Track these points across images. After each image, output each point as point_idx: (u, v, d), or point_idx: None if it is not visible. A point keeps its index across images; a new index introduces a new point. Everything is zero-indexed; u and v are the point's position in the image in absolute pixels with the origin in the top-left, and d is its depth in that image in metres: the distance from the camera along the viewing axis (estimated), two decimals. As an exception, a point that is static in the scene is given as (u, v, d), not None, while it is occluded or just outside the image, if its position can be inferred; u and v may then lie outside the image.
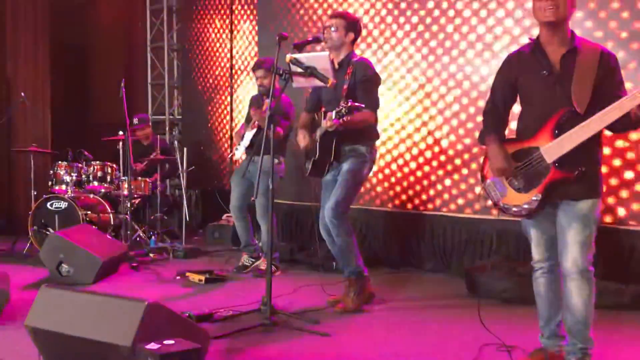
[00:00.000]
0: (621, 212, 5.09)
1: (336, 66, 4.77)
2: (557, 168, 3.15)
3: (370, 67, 4.74)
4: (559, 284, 3.35)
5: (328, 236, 4.82)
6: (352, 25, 4.75)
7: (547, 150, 3.17)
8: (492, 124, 3.47)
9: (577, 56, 3.15)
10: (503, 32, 5.71)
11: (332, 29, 4.70)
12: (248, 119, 6.18)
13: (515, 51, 3.48)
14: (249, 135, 5.96)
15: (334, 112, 4.33)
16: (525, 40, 5.37)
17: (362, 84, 4.63)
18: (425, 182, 6.28)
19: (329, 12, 6.83)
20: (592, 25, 5.12)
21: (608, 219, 5.13)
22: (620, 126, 3.12)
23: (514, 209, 3.33)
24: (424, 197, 6.29)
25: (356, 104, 4.26)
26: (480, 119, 5.77)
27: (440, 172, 6.15)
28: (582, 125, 3.07)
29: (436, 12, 6.13)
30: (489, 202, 3.59)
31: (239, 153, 6.10)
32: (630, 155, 5.03)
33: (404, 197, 6.43)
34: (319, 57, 4.49)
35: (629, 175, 5.04)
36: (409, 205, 6.40)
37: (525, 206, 3.27)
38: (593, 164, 3.21)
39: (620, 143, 5.05)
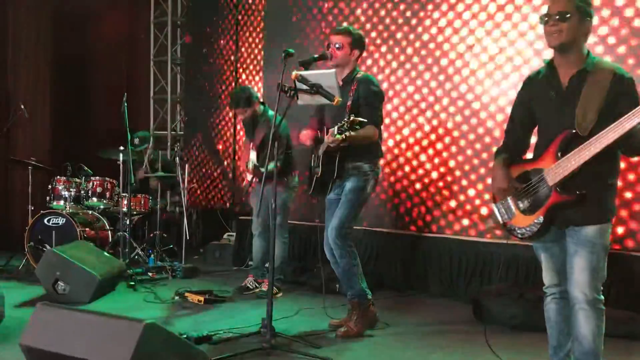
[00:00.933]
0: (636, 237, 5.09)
1: (340, 83, 4.80)
2: (558, 191, 3.16)
3: (374, 83, 4.78)
4: (569, 311, 3.31)
5: (332, 257, 4.83)
6: (358, 41, 4.78)
7: (549, 173, 3.19)
8: (505, 143, 3.52)
9: (588, 77, 3.17)
10: (515, 53, 5.75)
11: (337, 46, 4.72)
12: (249, 135, 6.23)
13: (532, 72, 3.50)
14: (253, 156, 6.00)
15: (335, 127, 4.36)
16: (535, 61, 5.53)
17: (365, 99, 4.66)
18: (430, 203, 6.28)
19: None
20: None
21: (620, 244, 5.12)
22: (628, 147, 3.11)
23: (519, 230, 3.35)
24: (429, 218, 6.30)
25: (358, 119, 4.28)
26: (488, 139, 5.85)
27: (446, 193, 6.16)
28: (581, 147, 3.07)
29: (448, 31, 6.18)
30: (491, 222, 3.60)
31: (250, 166, 6.09)
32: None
33: (408, 218, 6.44)
34: (325, 75, 4.52)
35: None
36: (414, 227, 6.40)
37: (529, 229, 3.29)
38: (599, 188, 3.18)
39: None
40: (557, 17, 3.15)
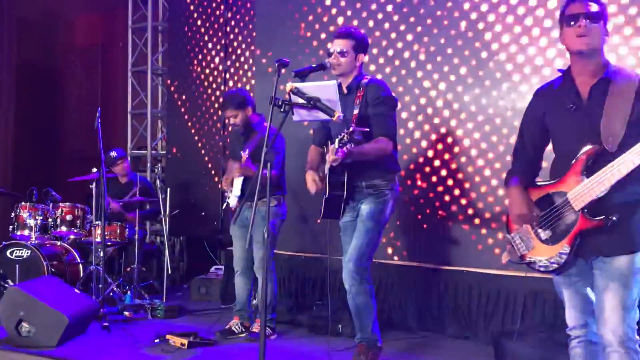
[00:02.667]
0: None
1: (344, 91, 4.83)
2: (586, 216, 3.12)
3: (384, 88, 4.81)
4: (601, 353, 3.28)
5: (350, 291, 4.84)
6: (362, 44, 4.84)
7: (574, 195, 3.16)
8: (517, 166, 3.53)
9: (610, 86, 3.16)
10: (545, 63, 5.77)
11: (341, 52, 4.77)
12: (232, 155, 6.26)
13: (544, 85, 3.52)
14: (237, 183, 5.98)
15: (336, 141, 4.38)
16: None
17: (375, 107, 4.70)
18: (447, 233, 6.29)
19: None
20: None
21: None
22: None
23: (541, 264, 3.32)
24: (445, 250, 6.30)
25: (359, 128, 4.31)
26: (509, 158, 5.86)
27: (466, 226, 6.17)
28: (611, 166, 3.04)
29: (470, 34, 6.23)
30: (508, 256, 3.56)
31: (232, 202, 6.11)
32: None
33: (423, 249, 6.44)
34: (324, 87, 4.53)
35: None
36: (429, 260, 6.40)
37: (553, 261, 3.25)
38: (633, 211, 3.13)
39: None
40: (588, 18, 3.16)
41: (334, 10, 7.02)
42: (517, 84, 5.91)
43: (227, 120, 6.14)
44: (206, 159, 8.90)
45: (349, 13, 6.92)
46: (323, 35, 7.10)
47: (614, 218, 3.06)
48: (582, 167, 3.15)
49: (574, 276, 3.31)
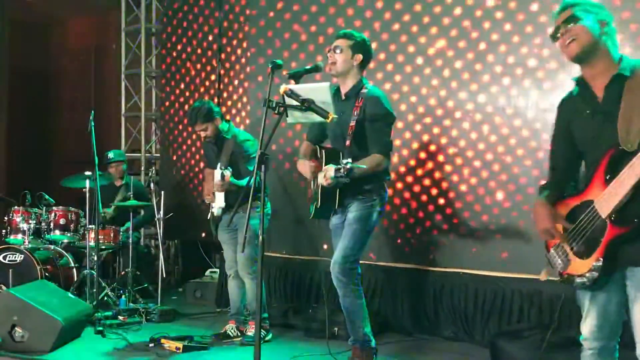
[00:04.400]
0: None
1: (343, 97, 4.83)
2: (614, 223, 2.95)
3: (383, 102, 4.79)
4: None
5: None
6: (360, 45, 4.82)
7: (600, 202, 3.00)
8: (549, 179, 3.46)
9: (625, 83, 3.04)
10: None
11: (337, 50, 4.77)
12: (209, 164, 6.29)
13: (566, 94, 3.40)
14: (220, 196, 5.99)
15: (332, 170, 4.39)
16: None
17: (372, 123, 4.71)
18: (443, 235, 6.29)
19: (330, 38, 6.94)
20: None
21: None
22: None
23: (578, 279, 3.14)
24: (441, 252, 6.30)
25: (357, 165, 4.35)
26: (510, 159, 5.86)
27: (462, 228, 6.17)
28: (630, 164, 2.86)
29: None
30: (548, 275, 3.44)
31: (217, 213, 6.12)
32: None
33: (419, 251, 6.43)
34: (317, 89, 4.53)
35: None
36: (425, 261, 6.39)
37: (588, 275, 3.06)
38: None
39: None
40: (565, 25, 3.11)
41: (332, 10, 7.02)
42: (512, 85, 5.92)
43: (200, 133, 6.14)
44: (201, 162, 8.89)
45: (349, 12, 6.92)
46: (320, 38, 7.10)
47: (636, 220, 2.90)
48: (605, 172, 2.99)
49: (602, 287, 3.13)
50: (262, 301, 5.86)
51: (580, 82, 3.23)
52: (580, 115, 3.20)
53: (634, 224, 2.89)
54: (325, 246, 7.02)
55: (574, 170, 3.37)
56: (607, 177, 2.97)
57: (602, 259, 2.99)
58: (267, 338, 5.95)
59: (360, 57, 4.82)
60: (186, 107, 8.81)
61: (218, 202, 6.00)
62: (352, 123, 4.70)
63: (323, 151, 4.85)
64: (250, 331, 5.91)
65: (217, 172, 5.84)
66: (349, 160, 4.33)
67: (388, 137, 4.81)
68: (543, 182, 3.47)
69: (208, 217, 6.18)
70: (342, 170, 4.30)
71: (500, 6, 5.90)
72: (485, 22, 5.98)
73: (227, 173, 5.70)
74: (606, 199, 2.95)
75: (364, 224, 4.76)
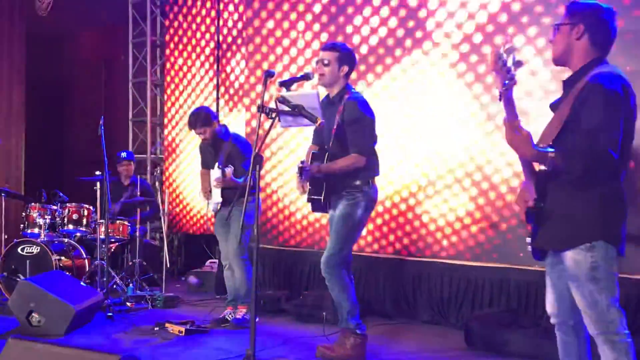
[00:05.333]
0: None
1: (329, 103, 4.83)
2: (533, 207, 3.06)
3: (359, 106, 4.75)
4: (574, 346, 3.20)
5: None
6: (346, 57, 4.79)
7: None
8: None
9: (572, 88, 3.04)
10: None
11: (325, 62, 4.76)
12: (204, 165, 6.27)
13: None
14: (217, 192, 6.00)
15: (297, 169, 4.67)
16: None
17: (350, 125, 4.70)
18: (418, 224, 6.30)
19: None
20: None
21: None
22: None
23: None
24: (420, 243, 6.31)
25: (307, 167, 4.61)
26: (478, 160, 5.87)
27: (435, 213, 6.18)
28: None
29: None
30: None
31: (212, 209, 6.13)
32: None
33: (400, 242, 6.44)
34: (307, 96, 4.54)
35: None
36: (404, 252, 6.40)
37: (529, 248, 3.19)
38: (564, 204, 3.00)
39: None
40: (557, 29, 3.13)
41: (316, 27, 7.03)
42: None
43: (199, 136, 6.15)
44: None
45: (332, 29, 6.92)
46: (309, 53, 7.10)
47: (541, 204, 3.01)
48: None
49: (549, 268, 3.20)
50: (246, 288, 5.91)
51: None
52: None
53: (537, 208, 3.03)
54: (315, 237, 7.05)
55: None
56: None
57: (530, 237, 3.12)
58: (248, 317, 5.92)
59: (346, 68, 4.79)
60: (187, 112, 8.81)
61: (215, 198, 6.00)
62: (334, 126, 4.70)
63: (312, 153, 4.85)
64: (239, 314, 5.93)
65: (216, 171, 5.83)
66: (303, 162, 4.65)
67: (365, 138, 4.75)
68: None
69: (206, 212, 6.19)
70: (299, 170, 4.57)
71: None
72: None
73: (229, 170, 5.69)
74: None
75: (347, 221, 4.72)
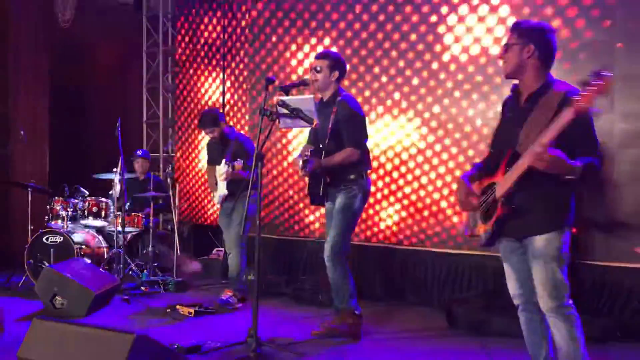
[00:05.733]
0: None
1: (324, 106, 4.83)
2: (502, 204, 3.13)
3: (350, 105, 4.78)
4: (538, 323, 3.27)
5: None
6: (336, 63, 4.81)
7: (498, 186, 3.17)
8: (482, 160, 3.53)
9: (540, 98, 3.12)
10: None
11: (317, 69, 4.77)
12: (211, 161, 6.27)
13: (508, 96, 3.45)
14: (222, 185, 6.01)
15: (300, 161, 4.70)
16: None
17: (344, 123, 4.71)
18: (406, 217, 6.30)
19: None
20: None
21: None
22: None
23: (479, 237, 3.33)
24: (406, 233, 6.31)
25: (311, 159, 4.65)
26: (462, 158, 5.88)
27: (420, 206, 6.19)
28: (517, 163, 3.03)
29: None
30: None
31: (218, 201, 6.14)
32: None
33: (389, 232, 6.45)
34: (304, 100, 4.56)
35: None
36: (393, 240, 6.41)
37: (483, 235, 3.27)
38: (543, 199, 3.10)
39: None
40: (503, 49, 3.26)
41: (313, 40, 7.03)
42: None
43: (207, 135, 6.18)
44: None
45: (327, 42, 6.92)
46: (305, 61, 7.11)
47: (513, 206, 3.10)
48: (506, 164, 3.13)
49: (508, 252, 3.30)
50: (237, 272, 5.92)
51: (515, 90, 3.32)
52: (505, 116, 3.39)
53: (512, 209, 3.10)
54: (311, 227, 7.05)
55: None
56: (507, 169, 3.11)
57: (492, 227, 3.18)
58: (236, 306, 5.93)
59: (337, 73, 4.81)
60: (196, 115, 8.81)
61: (220, 191, 6.01)
62: (330, 126, 4.71)
63: (310, 150, 4.85)
64: (224, 296, 5.95)
65: (223, 166, 5.84)
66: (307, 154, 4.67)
67: (358, 134, 4.79)
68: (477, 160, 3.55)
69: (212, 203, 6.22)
70: (305, 159, 4.59)
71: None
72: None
73: (238, 164, 5.69)
74: (502, 185, 3.13)
75: (346, 213, 4.73)
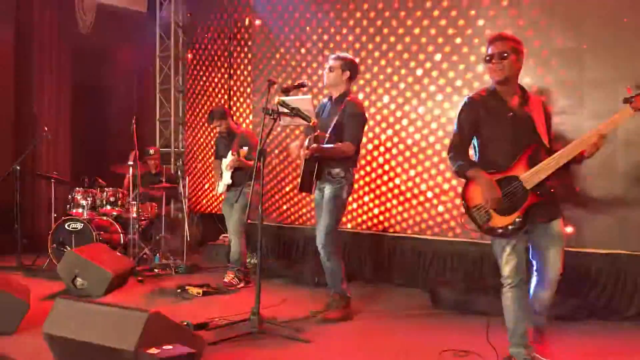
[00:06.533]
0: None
1: (333, 101, 4.84)
2: (534, 193, 3.23)
3: (358, 106, 4.79)
4: (525, 299, 3.33)
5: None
6: (347, 65, 4.80)
7: (524, 179, 3.24)
8: (464, 157, 3.45)
9: (529, 103, 3.33)
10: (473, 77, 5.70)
11: (331, 68, 4.79)
12: (218, 155, 6.27)
13: (475, 95, 3.46)
14: (227, 174, 6.00)
15: (307, 140, 4.56)
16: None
17: (348, 120, 4.70)
18: (394, 206, 6.30)
19: (311, 63, 6.92)
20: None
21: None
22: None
23: (500, 230, 3.30)
24: (394, 220, 6.31)
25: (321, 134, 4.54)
26: (444, 154, 5.86)
27: (409, 195, 6.18)
28: (553, 157, 3.19)
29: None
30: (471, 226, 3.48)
31: (221, 189, 6.14)
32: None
33: (378, 220, 6.44)
34: (302, 100, 4.56)
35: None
36: (380, 227, 6.40)
37: (510, 227, 3.26)
38: (556, 188, 3.30)
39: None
40: (500, 57, 3.28)
41: (308, 44, 6.99)
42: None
43: (216, 129, 6.23)
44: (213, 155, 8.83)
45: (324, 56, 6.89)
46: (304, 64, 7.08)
47: (551, 191, 3.26)
48: (528, 158, 3.24)
49: (514, 240, 3.31)
50: (239, 257, 5.91)
51: (494, 93, 3.38)
52: (499, 116, 3.33)
53: (547, 195, 3.22)
54: (308, 216, 7.04)
55: (469, 149, 3.51)
56: (529, 163, 3.22)
57: (521, 217, 3.24)
58: (239, 286, 5.92)
59: (348, 73, 4.80)
60: (204, 113, 8.78)
61: (224, 180, 6.01)
62: (335, 120, 4.69)
63: (310, 138, 4.79)
64: (227, 278, 5.95)
65: (229, 157, 5.86)
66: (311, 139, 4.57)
67: (357, 132, 4.76)
68: (450, 153, 3.50)
69: (216, 192, 6.22)
70: (311, 139, 4.52)
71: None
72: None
73: (243, 150, 5.68)
74: (530, 177, 3.22)
75: (336, 202, 4.72)
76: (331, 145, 4.61)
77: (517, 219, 3.24)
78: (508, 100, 3.32)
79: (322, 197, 4.82)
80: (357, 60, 5.16)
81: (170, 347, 2.89)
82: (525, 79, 4.95)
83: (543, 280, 3.38)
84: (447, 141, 5.84)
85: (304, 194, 5.25)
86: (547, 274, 3.35)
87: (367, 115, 4.98)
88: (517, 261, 3.31)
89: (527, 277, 3.37)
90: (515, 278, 3.32)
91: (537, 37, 5.22)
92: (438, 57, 5.94)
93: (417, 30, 6.07)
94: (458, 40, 5.78)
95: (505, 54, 3.26)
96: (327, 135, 4.67)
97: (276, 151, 7.31)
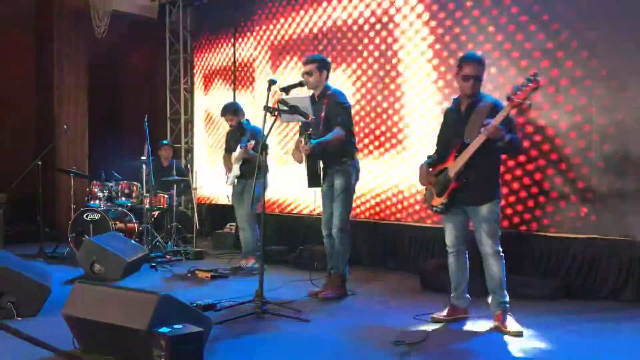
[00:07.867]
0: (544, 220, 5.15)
1: (316, 99, 4.82)
2: (454, 180, 3.78)
3: (338, 97, 4.79)
4: (463, 263, 3.99)
5: (328, 238, 4.86)
6: (323, 64, 4.83)
7: (450, 169, 3.80)
8: (435, 153, 4.11)
9: (475, 107, 3.80)
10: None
11: (308, 73, 4.77)
12: (228, 149, 6.27)
13: (450, 106, 4.06)
14: (236, 167, 6.00)
15: (303, 138, 4.60)
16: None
17: (335, 109, 4.71)
18: (389, 197, 6.31)
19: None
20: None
21: (534, 226, 5.18)
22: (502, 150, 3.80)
23: (435, 208, 3.96)
24: (388, 210, 6.32)
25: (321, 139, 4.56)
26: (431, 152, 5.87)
27: (402, 191, 6.19)
28: (465, 151, 3.69)
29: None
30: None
31: (231, 181, 6.13)
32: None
33: (373, 209, 6.45)
34: (301, 99, 4.55)
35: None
36: (377, 216, 6.42)
37: (440, 206, 3.90)
38: (482, 176, 3.74)
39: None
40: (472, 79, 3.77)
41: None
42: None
43: (227, 122, 6.24)
44: (220, 149, 8.82)
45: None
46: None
47: (465, 180, 3.75)
48: (455, 153, 3.78)
49: (451, 215, 3.94)
50: (254, 244, 5.92)
51: (456, 102, 3.95)
52: (452, 120, 3.97)
53: (462, 183, 3.76)
54: (310, 206, 7.05)
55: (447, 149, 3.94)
56: (456, 155, 3.76)
57: (446, 199, 3.86)
58: (255, 266, 5.92)
59: (325, 72, 4.82)
60: (211, 112, 8.78)
61: (234, 172, 6.01)
62: (323, 114, 4.70)
63: (305, 136, 4.78)
64: (249, 263, 5.97)
65: (238, 150, 5.85)
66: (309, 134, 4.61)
67: (345, 117, 4.75)
68: (431, 153, 4.14)
69: (226, 183, 6.20)
70: (306, 137, 4.57)
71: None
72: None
73: (250, 143, 5.69)
74: (453, 167, 3.78)
75: (346, 191, 4.74)
76: (326, 137, 4.61)
77: (445, 200, 3.85)
78: (462, 106, 3.88)
79: (328, 187, 4.82)
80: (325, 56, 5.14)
81: (180, 326, 2.90)
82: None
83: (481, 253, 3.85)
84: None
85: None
86: (480, 249, 3.81)
87: (350, 103, 4.93)
88: (455, 234, 3.94)
89: (465, 248, 3.97)
90: (453, 248, 3.99)
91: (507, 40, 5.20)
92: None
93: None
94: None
95: (475, 76, 3.80)
96: (320, 129, 4.67)
97: (282, 157, 7.30)
